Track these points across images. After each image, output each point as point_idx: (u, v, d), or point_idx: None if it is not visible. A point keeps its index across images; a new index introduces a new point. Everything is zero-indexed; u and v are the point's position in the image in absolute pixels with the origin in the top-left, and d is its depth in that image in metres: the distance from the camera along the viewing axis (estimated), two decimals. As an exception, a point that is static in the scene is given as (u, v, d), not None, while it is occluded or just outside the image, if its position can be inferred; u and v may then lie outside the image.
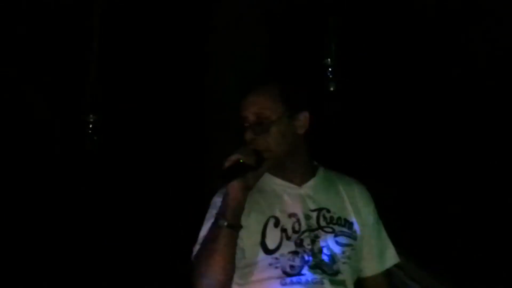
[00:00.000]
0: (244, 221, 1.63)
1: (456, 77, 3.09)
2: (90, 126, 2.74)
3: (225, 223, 1.54)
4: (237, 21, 2.89)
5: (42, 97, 3.28)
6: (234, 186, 1.57)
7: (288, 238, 1.66)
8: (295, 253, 1.63)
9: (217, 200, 1.68)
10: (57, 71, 3.22)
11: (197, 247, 1.65)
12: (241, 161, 1.58)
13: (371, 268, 1.78)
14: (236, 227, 1.57)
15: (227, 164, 1.57)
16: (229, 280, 1.60)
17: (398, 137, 3.04)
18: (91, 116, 2.75)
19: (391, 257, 1.82)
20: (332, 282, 1.65)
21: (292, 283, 1.63)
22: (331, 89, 2.85)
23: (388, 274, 1.85)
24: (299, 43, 3.09)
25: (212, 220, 1.62)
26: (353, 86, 2.97)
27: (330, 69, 2.84)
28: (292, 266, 1.63)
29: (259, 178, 1.66)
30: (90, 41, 2.79)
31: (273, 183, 1.74)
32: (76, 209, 3.34)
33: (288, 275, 1.63)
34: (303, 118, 1.68)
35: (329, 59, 2.84)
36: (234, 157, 1.58)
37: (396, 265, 2.05)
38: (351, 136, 2.98)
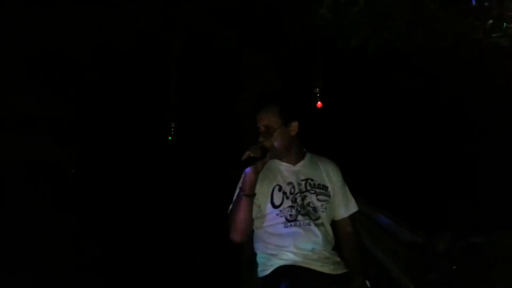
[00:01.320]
0: (259, 188, 2.22)
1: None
2: (172, 130, 4.31)
3: (244, 194, 2.16)
4: (257, 65, 4.34)
5: (140, 109, 4.81)
6: (249, 171, 2.14)
7: (287, 198, 2.27)
8: (291, 207, 2.25)
9: (240, 182, 2.25)
10: (151, 92, 4.72)
11: (230, 207, 2.29)
12: (251, 155, 2.12)
13: (340, 214, 2.39)
14: (251, 196, 2.17)
15: (243, 158, 2.11)
16: (248, 226, 2.22)
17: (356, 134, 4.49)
18: (172, 123, 4.33)
19: (353, 207, 2.42)
20: (315, 224, 2.25)
21: (291, 226, 2.24)
22: (318, 106, 4.38)
23: (352, 218, 2.42)
24: (298, 77, 4.47)
25: (237, 192, 2.25)
26: (332, 105, 4.46)
27: (318, 94, 4.37)
28: (290, 215, 2.24)
29: (265, 164, 2.20)
30: (171, 74, 4.30)
31: (278, 164, 2.36)
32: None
33: (288, 221, 2.24)
34: (294, 125, 2.32)
35: (317, 88, 4.35)
36: (247, 153, 2.12)
37: (364, 214, 2.83)
38: (329, 135, 4.41)
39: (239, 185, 2.26)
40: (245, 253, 2.52)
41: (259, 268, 2.32)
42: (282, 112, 2.29)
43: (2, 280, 4.31)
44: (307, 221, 2.24)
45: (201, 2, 4.08)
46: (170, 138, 4.37)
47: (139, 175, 5.64)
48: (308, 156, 2.42)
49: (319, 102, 4.38)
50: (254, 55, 4.41)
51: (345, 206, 2.40)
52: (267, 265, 2.27)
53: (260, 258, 2.33)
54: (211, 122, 5.04)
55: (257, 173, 2.16)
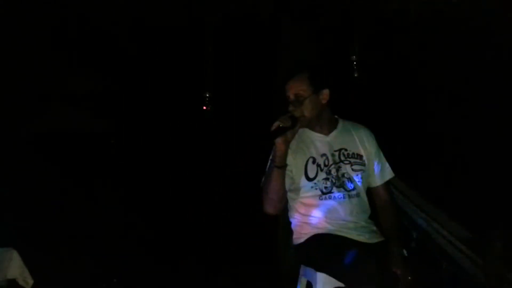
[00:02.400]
0: (293, 160, 2.22)
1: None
2: (207, 101, 4.36)
3: (275, 165, 2.15)
4: (295, 35, 4.27)
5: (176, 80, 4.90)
6: (278, 141, 2.11)
7: (321, 170, 2.23)
8: (326, 179, 2.22)
9: (272, 154, 2.22)
10: (187, 63, 4.79)
11: (263, 179, 2.28)
12: (280, 125, 2.10)
13: (375, 181, 2.35)
14: (282, 167, 2.15)
15: (272, 128, 2.10)
16: (281, 198, 2.21)
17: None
18: (207, 93, 4.37)
19: (388, 173, 2.37)
20: (350, 195, 2.23)
21: (325, 198, 2.22)
22: (355, 75, 4.29)
23: (388, 185, 2.38)
24: (337, 47, 4.37)
25: (269, 164, 2.23)
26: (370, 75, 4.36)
27: (354, 62, 4.27)
28: (325, 187, 2.21)
29: (295, 134, 2.17)
30: (207, 44, 4.31)
31: (310, 134, 2.31)
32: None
33: (323, 193, 2.22)
34: (325, 93, 2.27)
35: (354, 56, 4.23)
36: (276, 123, 2.11)
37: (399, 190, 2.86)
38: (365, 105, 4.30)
39: (271, 157, 2.24)
40: (281, 219, 2.51)
41: (294, 236, 2.33)
42: (312, 79, 2.25)
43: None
44: (342, 193, 2.22)
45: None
46: (205, 108, 4.42)
47: (176, 145, 5.77)
48: (340, 124, 2.38)
49: (355, 71, 4.28)
50: (292, 25, 4.32)
51: (380, 173, 2.36)
52: (301, 233, 2.28)
53: (294, 226, 2.34)
54: (246, 93, 5.05)
55: (287, 143, 2.14)
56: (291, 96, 2.25)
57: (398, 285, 2.02)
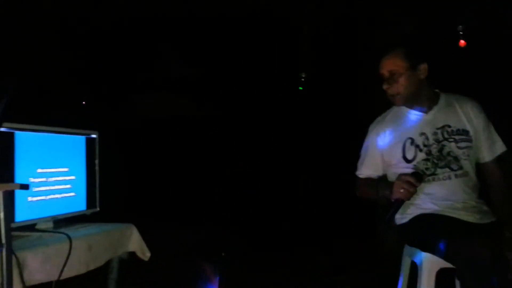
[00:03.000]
0: (389, 143, 2.18)
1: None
2: (302, 80, 4.40)
3: (387, 196, 2.12)
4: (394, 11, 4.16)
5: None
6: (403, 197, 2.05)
7: (421, 150, 2.13)
8: (427, 160, 2.11)
9: (369, 136, 2.30)
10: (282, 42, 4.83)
11: (357, 168, 2.35)
12: (402, 200, 2.05)
13: (485, 157, 2.20)
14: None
15: (391, 209, 2.05)
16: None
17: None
18: (303, 73, 4.41)
19: (499, 147, 2.21)
20: (456, 175, 2.11)
21: (429, 180, 2.12)
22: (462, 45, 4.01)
23: (500, 160, 2.21)
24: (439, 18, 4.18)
25: (363, 150, 2.31)
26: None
27: (460, 32, 4.00)
28: (427, 168, 2.11)
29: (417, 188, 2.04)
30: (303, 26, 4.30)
31: (408, 113, 2.21)
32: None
33: (426, 175, 2.11)
34: (423, 68, 2.15)
35: (460, 26, 3.99)
36: (395, 200, 2.05)
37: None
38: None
39: (363, 148, 2.31)
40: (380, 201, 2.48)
41: (397, 216, 2.26)
42: (408, 54, 2.14)
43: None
44: (447, 174, 2.11)
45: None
46: (300, 88, 4.43)
47: (272, 124, 5.89)
48: (442, 98, 2.23)
49: (461, 41, 4.00)
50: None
51: (490, 147, 2.20)
52: (405, 213, 2.22)
53: None
54: (342, 72, 5.00)
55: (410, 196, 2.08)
56: (386, 74, 2.16)
57: (510, 269, 1.90)
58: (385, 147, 2.20)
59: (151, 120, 7.34)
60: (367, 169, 2.32)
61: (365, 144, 2.30)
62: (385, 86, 2.16)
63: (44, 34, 4.96)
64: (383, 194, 2.12)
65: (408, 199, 2.02)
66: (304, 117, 5.82)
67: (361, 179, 2.33)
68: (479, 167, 2.21)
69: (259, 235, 5.29)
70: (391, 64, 2.14)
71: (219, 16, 5.00)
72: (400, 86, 2.12)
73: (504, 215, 2.11)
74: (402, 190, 1.99)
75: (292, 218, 5.84)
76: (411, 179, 1.99)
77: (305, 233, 5.36)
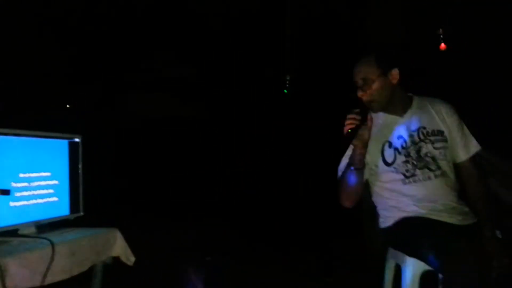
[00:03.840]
0: (368, 147, 2.09)
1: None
2: (287, 83, 4.40)
3: (355, 167, 2.09)
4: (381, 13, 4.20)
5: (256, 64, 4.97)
6: (356, 144, 2.06)
7: (400, 153, 2.16)
8: (406, 162, 2.14)
9: (348, 150, 2.18)
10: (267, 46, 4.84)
11: (339, 173, 2.21)
12: (349, 129, 2.01)
13: (460, 156, 2.23)
14: (360, 169, 2.10)
15: (344, 132, 2.00)
16: (359, 194, 2.14)
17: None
18: (287, 76, 4.41)
19: (474, 146, 2.24)
20: (436, 175, 2.13)
21: (410, 182, 2.14)
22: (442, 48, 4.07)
23: (474, 159, 2.23)
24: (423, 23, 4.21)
25: (346, 160, 2.17)
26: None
27: (441, 36, 4.04)
28: (407, 170, 2.14)
29: (370, 129, 2.03)
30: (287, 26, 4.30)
31: (384, 118, 2.23)
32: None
33: (407, 177, 2.14)
34: (395, 73, 2.17)
35: (440, 29, 4.03)
36: (345, 128, 2.02)
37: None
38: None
39: (347, 152, 2.19)
40: (365, 203, 2.48)
41: (380, 219, 2.30)
42: (379, 61, 2.16)
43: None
44: (426, 174, 2.14)
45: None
46: (285, 91, 4.43)
47: (258, 125, 5.88)
48: (415, 101, 2.27)
49: (442, 44, 4.06)
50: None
51: (464, 147, 2.23)
52: (388, 216, 2.24)
53: (381, 210, 2.30)
54: (328, 74, 5.01)
55: (365, 143, 2.06)
56: (359, 81, 2.18)
57: (494, 269, 1.95)
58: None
59: (144, 121, 7.28)
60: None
61: (344, 158, 2.26)
62: (359, 94, 2.17)
63: (28, 33, 4.87)
64: (351, 161, 2.10)
65: (355, 124, 2.01)
66: (302, 117, 5.81)
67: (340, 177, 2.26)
68: (456, 167, 2.24)
69: (256, 235, 5.29)
70: (363, 72, 2.16)
71: (214, 15, 4.98)
72: (374, 92, 2.15)
73: (482, 214, 2.14)
74: (348, 122, 2.01)
75: (289, 218, 5.83)
76: (354, 115, 2.02)
77: (299, 234, 5.35)
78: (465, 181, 2.23)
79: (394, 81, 2.18)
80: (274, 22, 4.74)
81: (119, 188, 6.34)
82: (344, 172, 2.15)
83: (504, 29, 3.93)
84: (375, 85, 2.14)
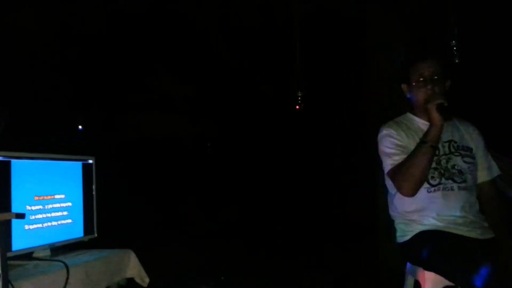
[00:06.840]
0: (407, 147, 2.11)
1: None
2: (299, 99, 4.39)
3: (431, 144, 2.04)
4: (383, 24, 4.21)
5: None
6: (441, 119, 2.04)
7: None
8: (435, 169, 2.13)
9: (387, 140, 2.18)
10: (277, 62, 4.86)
11: (388, 162, 2.14)
12: (445, 104, 2.04)
13: (483, 176, 2.26)
14: (436, 146, 2.08)
15: (444, 104, 2.02)
16: (424, 181, 2.06)
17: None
18: (299, 92, 4.40)
19: (496, 170, 2.30)
20: (460, 187, 2.14)
21: (434, 191, 2.13)
22: (456, 61, 4.03)
23: (494, 183, 2.30)
24: (428, 34, 4.20)
25: (391, 157, 2.12)
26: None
27: (454, 48, 4.00)
28: (433, 178, 2.12)
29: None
30: (296, 41, 4.35)
31: (421, 124, 2.23)
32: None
33: (432, 185, 2.13)
34: (448, 83, 2.23)
35: (453, 41, 4.00)
36: (439, 101, 2.03)
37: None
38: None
39: (387, 143, 2.15)
40: (381, 220, 2.44)
41: (398, 234, 2.26)
42: (445, 66, 2.21)
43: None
44: (450, 185, 2.12)
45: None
46: (297, 107, 4.43)
47: (269, 144, 5.89)
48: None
49: (455, 57, 4.01)
50: (380, 13, 4.25)
51: (488, 169, 2.27)
52: (407, 230, 2.20)
53: (398, 224, 2.26)
54: (338, 88, 5.02)
55: (443, 124, 2.05)
56: (427, 73, 2.16)
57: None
58: (404, 148, 2.17)
59: (149, 140, 7.31)
60: (401, 153, 2.17)
61: (385, 139, 2.20)
62: (429, 85, 2.15)
63: (35, 59, 4.95)
64: (427, 138, 2.05)
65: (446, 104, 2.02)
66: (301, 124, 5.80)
67: (398, 164, 2.14)
68: (477, 187, 2.25)
69: (271, 254, 5.26)
70: (440, 67, 2.17)
71: (218, 32, 5.02)
72: (443, 89, 2.15)
73: (503, 230, 2.12)
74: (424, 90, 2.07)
75: (305, 237, 5.80)
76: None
77: (315, 254, 5.31)
78: (484, 200, 2.24)
79: (447, 89, 2.21)
80: (282, 39, 4.77)
81: (132, 208, 6.35)
82: (413, 153, 2.06)
83: (505, 29, 3.91)
84: (448, 83, 2.19)
